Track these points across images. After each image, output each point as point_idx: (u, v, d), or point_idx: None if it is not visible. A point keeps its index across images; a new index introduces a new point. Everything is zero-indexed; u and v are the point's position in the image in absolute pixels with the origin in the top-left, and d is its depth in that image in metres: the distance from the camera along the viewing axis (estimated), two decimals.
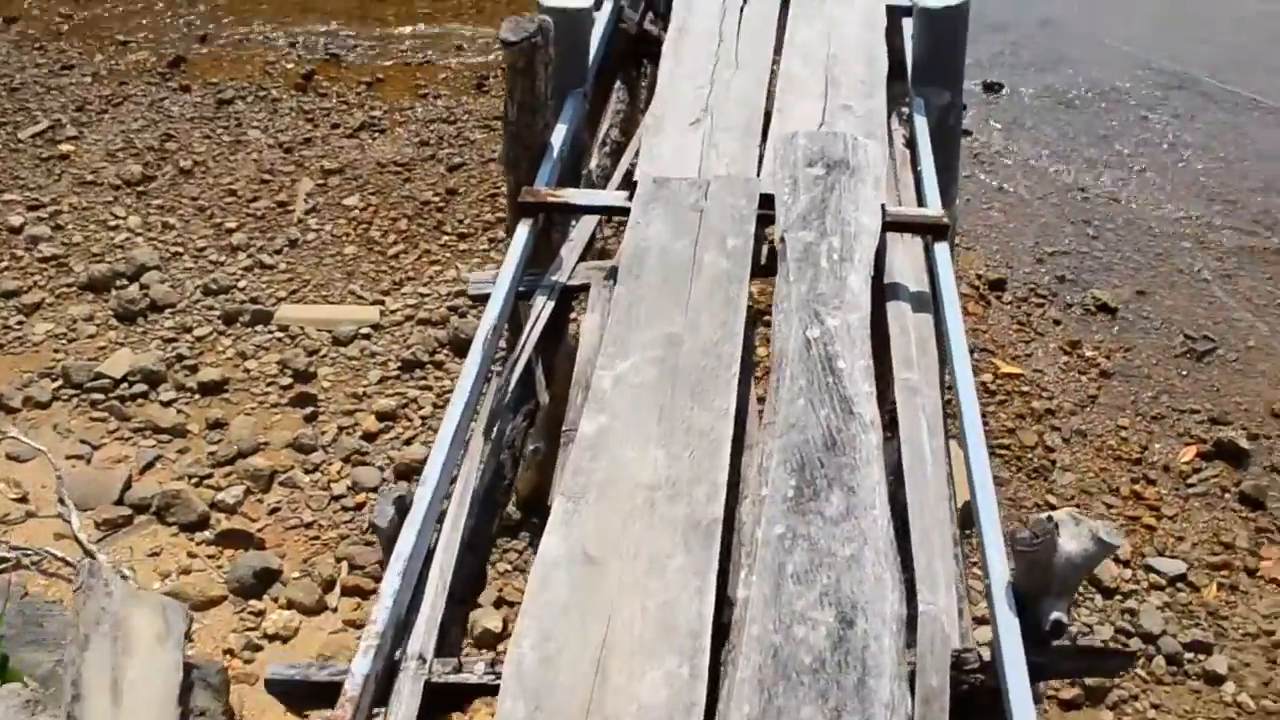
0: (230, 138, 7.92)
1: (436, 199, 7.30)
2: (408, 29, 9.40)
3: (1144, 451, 5.53)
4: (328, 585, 4.82)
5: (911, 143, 3.82)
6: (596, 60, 4.06)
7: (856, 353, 2.58)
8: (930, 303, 3.25)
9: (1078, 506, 5.24)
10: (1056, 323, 6.29)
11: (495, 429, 2.98)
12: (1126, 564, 5.00)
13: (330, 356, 6.08)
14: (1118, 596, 4.85)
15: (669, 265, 2.93)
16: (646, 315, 2.81)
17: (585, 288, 3.46)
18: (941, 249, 3.14)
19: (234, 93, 8.58)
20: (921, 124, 3.78)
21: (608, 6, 4.51)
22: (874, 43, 4.16)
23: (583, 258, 3.53)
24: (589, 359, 2.89)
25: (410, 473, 5.31)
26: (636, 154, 3.73)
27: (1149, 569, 4.97)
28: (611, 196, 3.39)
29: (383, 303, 6.43)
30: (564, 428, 2.91)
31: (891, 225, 3.16)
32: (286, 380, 5.90)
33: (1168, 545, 5.08)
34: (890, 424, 2.83)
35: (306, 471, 5.39)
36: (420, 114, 8.21)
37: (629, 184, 3.38)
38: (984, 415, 5.67)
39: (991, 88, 8.37)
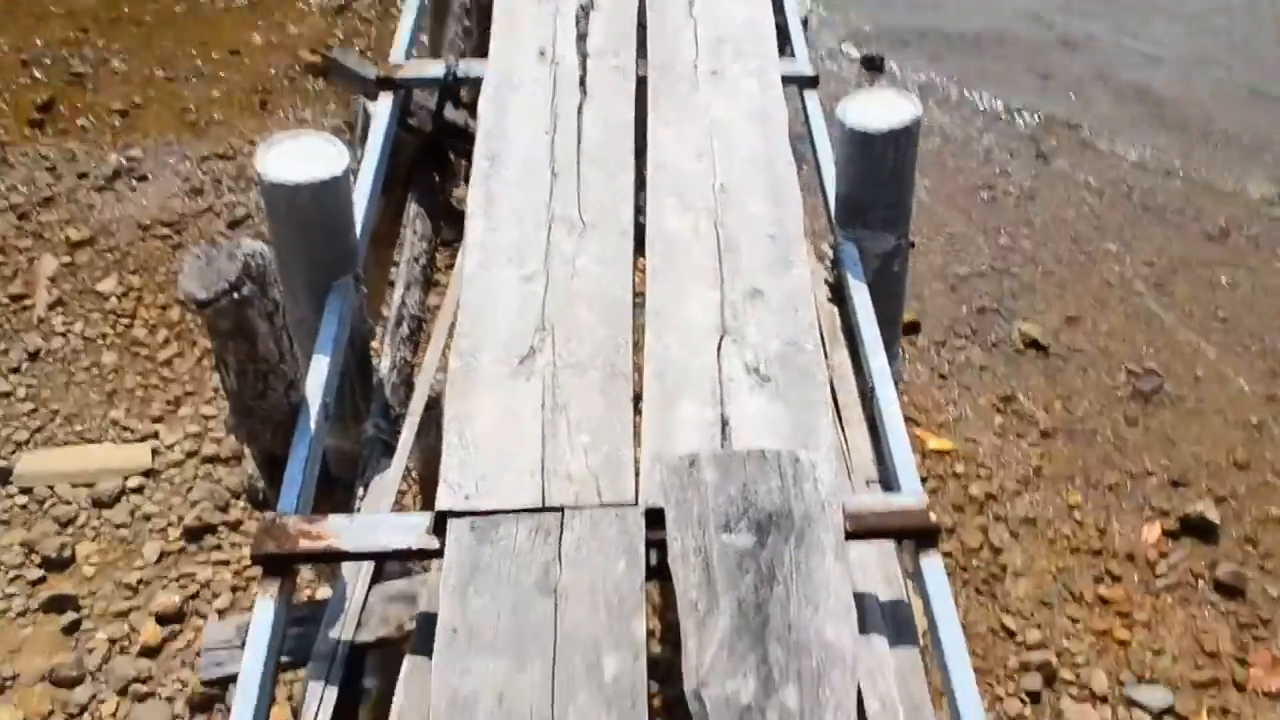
0: None
1: (185, 255, 5.79)
2: (170, 33, 7.58)
3: (1103, 536, 4.69)
4: None
5: (845, 314, 2.68)
6: (368, 224, 2.72)
7: None
8: (910, 628, 2.17)
9: (1038, 627, 4.39)
10: (983, 369, 5.34)
11: None
12: (1104, 699, 4.18)
13: (91, 526, 4.69)
14: None
15: None
16: None
17: (385, 643, 2.25)
18: (932, 565, 2.05)
19: None
20: (860, 289, 2.62)
21: (385, 106, 3.14)
22: (776, 155, 2.83)
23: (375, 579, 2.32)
24: None
25: (209, 704, 4.07)
26: (431, 400, 2.47)
27: (1131, 702, 4.17)
28: (406, 527, 2.13)
29: (156, 435, 5.02)
30: None
31: (853, 534, 2.05)
32: (35, 572, 4.51)
33: (1146, 664, 4.28)
34: None
35: (71, 717, 4.08)
36: (190, 150, 6.58)
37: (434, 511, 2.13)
38: None
39: (872, 64, 7.20)
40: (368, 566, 2.29)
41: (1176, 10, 7.88)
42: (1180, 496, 4.82)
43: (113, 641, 4.29)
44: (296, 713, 2.17)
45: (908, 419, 5.17)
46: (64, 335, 5.51)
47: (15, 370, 5.33)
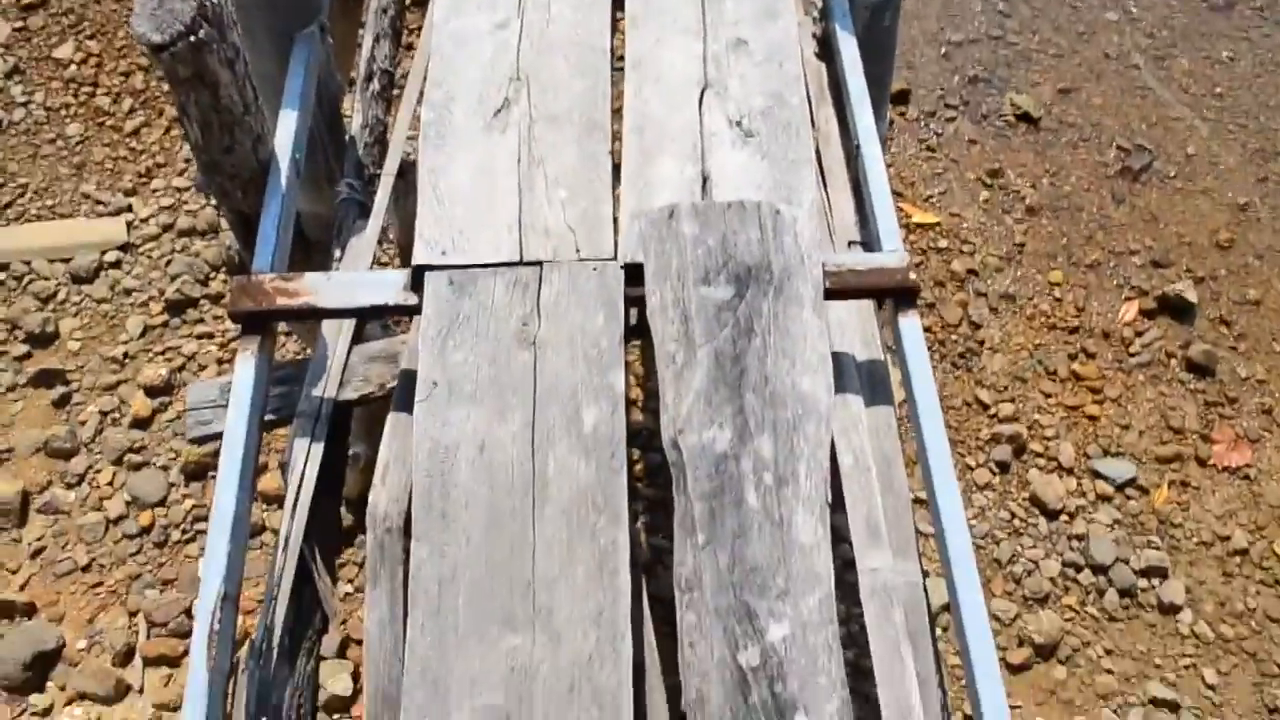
0: None
1: None
2: None
3: (1080, 314, 4.73)
4: (125, 656, 3.80)
5: (833, 71, 2.56)
6: None
7: (823, 684, 1.57)
8: (885, 387, 2.20)
9: (1011, 401, 4.50)
10: (972, 143, 5.23)
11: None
12: (1070, 471, 4.34)
13: (73, 302, 4.67)
14: (1063, 518, 4.22)
15: (494, 491, 1.76)
16: (468, 620, 1.72)
17: (366, 400, 2.28)
18: (910, 325, 2.04)
19: None
20: (848, 42, 2.49)
21: None
22: None
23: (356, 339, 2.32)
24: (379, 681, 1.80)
25: (203, 472, 4.18)
26: (405, 164, 2.37)
27: (1095, 474, 4.33)
28: (384, 284, 2.09)
29: (129, 209, 4.93)
30: None
31: (832, 292, 2.03)
32: (20, 348, 4.52)
33: (1113, 439, 4.42)
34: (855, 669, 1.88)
35: (69, 486, 4.19)
36: None
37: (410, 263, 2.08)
38: None
39: None
40: (348, 326, 2.29)
41: None
42: (1160, 276, 4.84)
43: (104, 414, 4.35)
44: (285, 468, 2.22)
45: (893, 192, 5.13)
46: (24, 106, 5.30)
47: None
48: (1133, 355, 4.64)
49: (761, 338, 1.77)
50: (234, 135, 2.10)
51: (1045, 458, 4.37)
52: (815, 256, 1.93)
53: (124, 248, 4.81)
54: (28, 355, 4.51)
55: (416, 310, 2.03)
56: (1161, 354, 4.65)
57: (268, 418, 2.23)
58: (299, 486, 2.18)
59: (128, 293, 4.69)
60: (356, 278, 2.13)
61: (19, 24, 5.60)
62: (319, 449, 2.19)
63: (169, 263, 4.75)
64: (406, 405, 2.06)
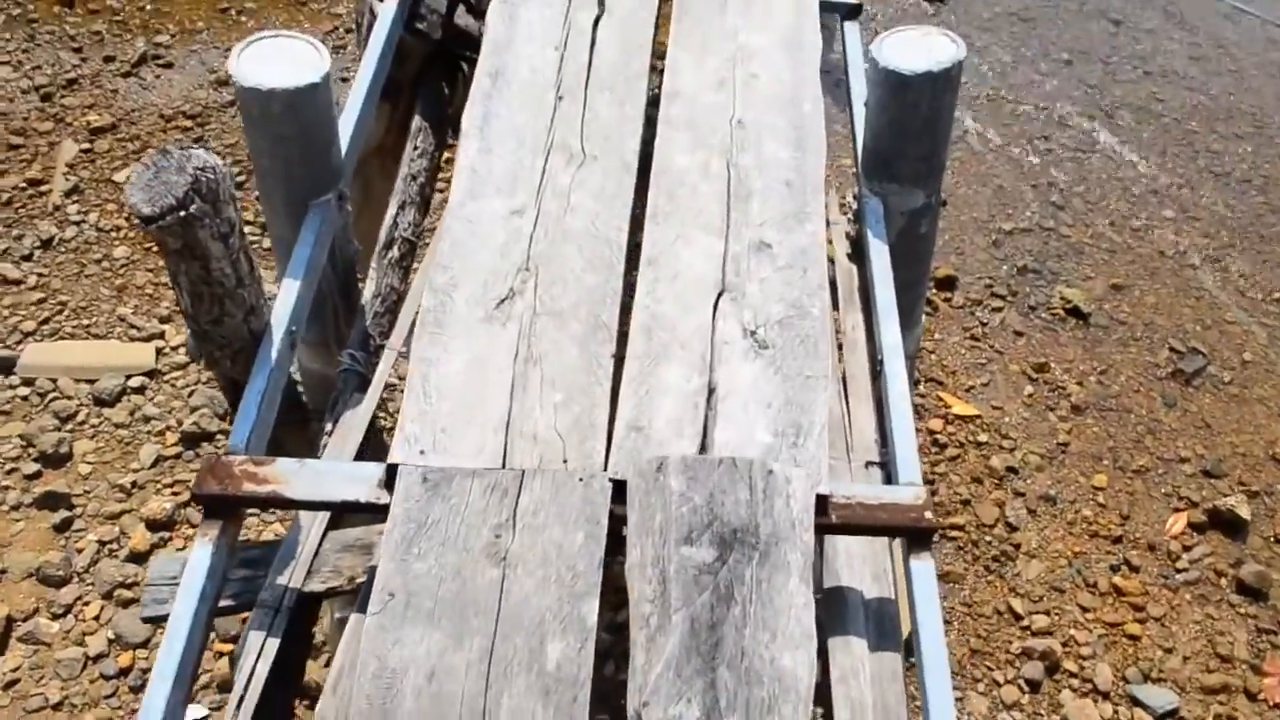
0: None
1: (235, 166, 5.65)
2: None
3: (1125, 523, 4.48)
4: None
5: (863, 275, 2.45)
6: (360, 136, 2.51)
7: None
8: (894, 629, 2.00)
9: (1046, 613, 4.21)
10: (1019, 335, 5.08)
11: None
12: (1106, 695, 4.02)
13: (91, 424, 4.64)
14: None
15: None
16: None
17: (334, 593, 2.13)
18: (923, 569, 1.85)
19: None
20: (880, 250, 2.39)
21: (391, 6, 2.91)
22: (804, 91, 2.57)
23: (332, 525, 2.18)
24: None
25: None
26: (405, 350, 2.28)
27: (1134, 701, 4.00)
28: (356, 478, 1.96)
29: (162, 335, 4.93)
30: None
31: (839, 527, 1.86)
32: (31, 466, 4.46)
33: (1155, 663, 4.10)
34: None
35: (54, 616, 4.06)
36: (219, 40, 6.39)
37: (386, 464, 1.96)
38: (932, 477, 4.56)
39: None
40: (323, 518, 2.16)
41: None
42: (1211, 488, 4.59)
43: (102, 544, 4.25)
44: (233, 662, 2.06)
45: (934, 380, 4.99)
46: (78, 225, 5.41)
47: (27, 258, 5.24)
48: (1179, 571, 4.35)
49: (742, 606, 1.61)
50: (224, 307, 2.03)
51: (1080, 678, 4.06)
52: (807, 521, 1.76)
53: (150, 374, 4.80)
54: (38, 475, 4.45)
55: (386, 510, 1.90)
56: (1211, 572, 4.36)
57: (226, 603, 2.09)
58: (246, 684, 2.01)
59: (146, 419, 4.64)
60: (329, 469, 2.00)
61: (86, 146, 5.78)
62: (274, 644, 2.03)
63: (191, 393, 4.71)
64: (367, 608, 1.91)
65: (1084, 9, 6.98)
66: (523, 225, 2.31)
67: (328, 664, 3.04)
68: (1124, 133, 6.12)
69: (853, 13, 3.05)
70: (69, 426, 4.61)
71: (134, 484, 4.43)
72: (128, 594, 4.11)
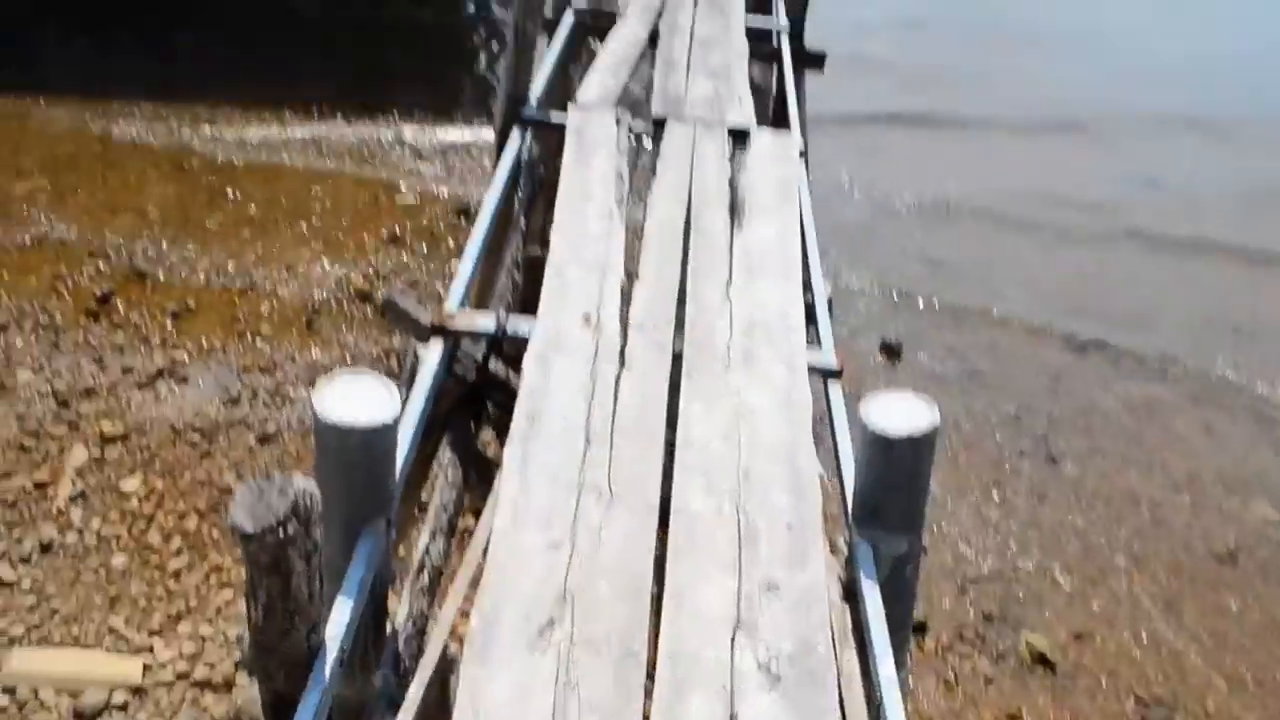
0: None
1: (240, 486, 5.88)
2: (233, 243, 8.10)
3: None
4: None
5: (855, 614, 2.71)
6: (406, 469, 2.84)
7: None
8: None
9: None
10: (989, 682, 5.25)
11: None
12: None
13: None
14: None
15: None
16: None
17: None
18: None
19: (7, 316, 7.06)
20: (873, 592, 2.68)
21: (435, 353, 3.34)
22: (799, 447, 2.98)
23: None
24: None
25: None
26: (442, 658, 2.49)
27: None
28: None
29: (150, 650, 4.94)
30: None
31: None
32: None
33: None
34: None
35: None
36: (233, 358, 6.85)
37: None
38: None
39: (891, 351, 7.55)
40: None
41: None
42: None
43: None
44: None
45: None
46: (79, 531, 5.54)
47: (25, 560, 5.33)
48: None
49: None
50: (294, 621, 2.22)
51: None
52: None
53: (135, 690, 4.77)
54: None
55: None
56: None
57: None
58: None
59: None
60: None
61: (97, 453, 6.03)
62: None
63: (174, 714, 4.67)
64: None
65: (1026, 367, 7.74)
66: (560, 558, 2.57)
67: None
68: (1068, 483, 6.62)
69: (835, 375, 3.52)
70: None
71: None
72: None
